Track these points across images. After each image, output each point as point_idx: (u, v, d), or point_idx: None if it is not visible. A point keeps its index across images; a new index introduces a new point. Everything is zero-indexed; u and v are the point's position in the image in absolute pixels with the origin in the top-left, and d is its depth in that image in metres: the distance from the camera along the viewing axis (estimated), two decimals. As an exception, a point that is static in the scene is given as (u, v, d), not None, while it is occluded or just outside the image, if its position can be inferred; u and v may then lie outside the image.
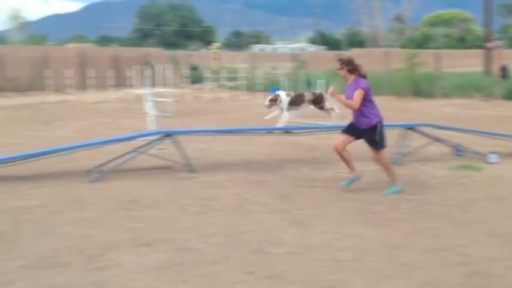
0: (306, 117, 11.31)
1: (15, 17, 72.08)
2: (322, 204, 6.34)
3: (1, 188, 7.26)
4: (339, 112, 10.06)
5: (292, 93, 9.92)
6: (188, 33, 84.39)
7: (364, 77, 6.72)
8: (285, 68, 29.23)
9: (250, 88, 26.07)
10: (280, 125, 9.49)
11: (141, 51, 38.43)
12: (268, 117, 9.92)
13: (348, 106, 6.68)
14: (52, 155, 8.44)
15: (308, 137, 10.56)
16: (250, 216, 5.84)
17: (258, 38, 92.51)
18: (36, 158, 8.27)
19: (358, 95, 6.55)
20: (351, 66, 6.71)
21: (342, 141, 6.77)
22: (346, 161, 6.87)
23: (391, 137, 9.63)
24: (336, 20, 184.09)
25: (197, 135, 10.59)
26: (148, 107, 12.61)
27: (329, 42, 75.56)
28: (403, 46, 50.15)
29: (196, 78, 31.98)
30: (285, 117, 9.57)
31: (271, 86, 25.42)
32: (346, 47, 63.15)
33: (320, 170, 8.22)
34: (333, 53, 40.16)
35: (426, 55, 26.45)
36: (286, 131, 9.29)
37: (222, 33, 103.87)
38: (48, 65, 30.07)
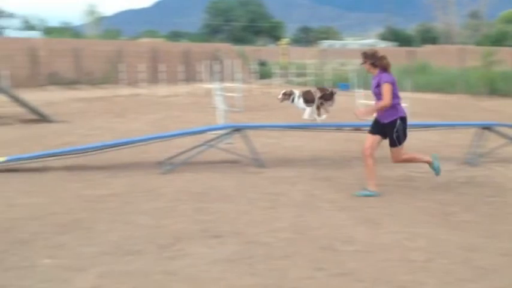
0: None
1: (91, 12, 74.60)
2: (393, 203, 6.22)
3: (78, 177, 7.55)
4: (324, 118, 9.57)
5: (301, 91, 9.75)
6: (256, 28, 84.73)
7: (387, 70, 6.47)
8: (354, 64, 28.84)
9: (319, 84, 25.90)
10: (305, 117, 9.44)
11: (210, 46, 38.95)
12: (305, 117, 9.57)
13: (382, 107, 6.36)
14: (126, 146, 8.70)
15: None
16: (318, 213, 5.80)
17: (327, 34, 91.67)
18: (111, 149, 8.55)
19: (386, 90, 6.31)
20: (374, 60, 6.48)
21: (371, 143, 6.50)
22: (370, 170, 6.54)
23: (466, 136, 9.35)
24: (407, 16, 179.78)
25: (266, 130, 10.62)
26: (218, 102, 12.76)
27: (400, 39, 73.87)
28: (479, 43, 48.33)
29: (264, 74, 32.11)
30: (309, 113, 9.42)
31: (340, 82, 25.20)
32: (418, 43, 61.56)
33: (391, 168, 8.05)
34: (404, 49, 39.27)
35: (503, 53, 25.41)
36: (356, 128, 9.15)
37: (291, 29, 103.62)
38: (122, 59, 31.01)
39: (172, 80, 28.74)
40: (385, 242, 4.87)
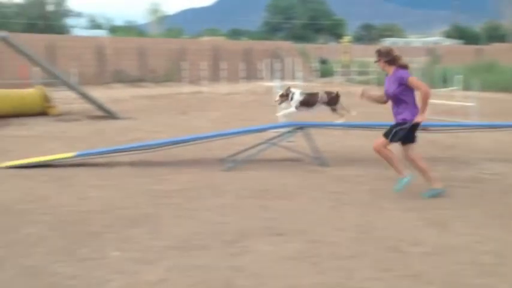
0: (438, 114, 10.84)
1: (154, 11, 76.25)
2: (462, 204, 6.04)
3: (145, 172, 7.74)
4: (355, 114, 8.82)
5: (308, 93, 8.82)
6: (317, 26, 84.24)
7: (405, 67, 6.25)
8: (419, 62, 28.20)
9: (381, 83, 25.49)
10: (279, 116, 8.76)
11: (271, 44, 39.02)
12: (280, 114, 8.77)
13: (426, 99, 6.04)
14: (189, 143, 8.85)
15: (445, 135, 10.13)
16: (383, 213, 5.71)
17: (391, 31, 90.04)
18: (175, 146, 8.72)
19: (416, 81, 6.13)
20: (389, 58, 6.25)
21: (408, 153, 6.36)
22: (423, 169, 6.39)
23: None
24: (473, 13, 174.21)
25: (327, 129, 10.54)
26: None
27: (466, 36, 71.72)
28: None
29: (325, 72, 31.89)
30: (289, 113, 8.58)
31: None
32: (485, 41, 59.53)
33: (459, 169, 7.84)
34: (470, 47, 38.10)
35: None
36: (423, 127, 8.93)
37: (352, 26, 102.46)
38: (184, 57, 31.54)
39: (233, 78, 29.01)
40: (454, 245, 4.74)
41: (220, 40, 42.24)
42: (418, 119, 6.13)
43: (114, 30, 60.28)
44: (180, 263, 4.32)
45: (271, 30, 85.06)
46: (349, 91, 23.35)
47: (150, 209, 5.91)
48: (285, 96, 8.53)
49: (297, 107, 8.42)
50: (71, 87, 15.27)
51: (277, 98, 8.69)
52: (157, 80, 30.20)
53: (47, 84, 17.17)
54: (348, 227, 5.24)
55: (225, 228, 5.19)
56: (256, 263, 4.31)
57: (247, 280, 3.98)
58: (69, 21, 64.37)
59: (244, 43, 41.06)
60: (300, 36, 75.02)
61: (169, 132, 11.52)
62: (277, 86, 14.80)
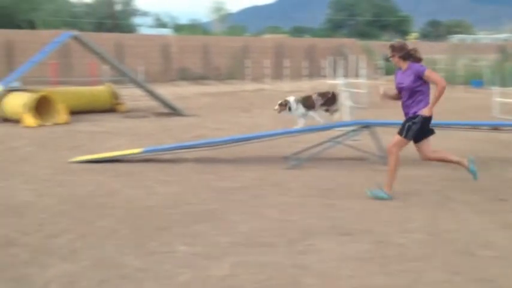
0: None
1: (217, 9, 77.04)
2: (536, 208, 5.80)
3: (209, 169, 7.85)
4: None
5: (300, 97, 8.83)
6: (382, 23, 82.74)
7: (419, 61, 6.08)
8: (488, 59, 27.26)
9: (449, 80, 24.75)
10: (296, 127, 8.65)
11: (335, 41, 38.70)
12: (297, 127, 8.68)
13: (441, 93, 5.91)
14: (253, 141, 8.91)
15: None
16: (453, 215, 5.55)
17: (459, 28, 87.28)
18: (239, 143, 8.80)
19: (432, 74, 6.02)
20: (403, 53, 6.09)
21: (423, 150, 6.23)
22: (449, 161, 6.32)
23: None
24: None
25: (393, 128, 10.34)
26: (343, 98, 12.64)
27: (539, 32, 68.56)
28: None
29: (390, 70, 31.28)
30: (300, 123, 8.61)
31: (473, 79, 23.93)
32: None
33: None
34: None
35: None
36: (495, 127, 8.64)
37: (419, 23, 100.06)
38: (247, 55, 31.75)
39: (296, 75, 28.97)
40: (529, 250, 4.56)
41: (283, 38, 42.21)
42: (424, 111, 5.98)
43: (178, 28, 61.32)
44: (246, 259, 4.35)
45: (334, 28, 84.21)
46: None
47: (215, 205, 5.98)
48: (284, 106, 8.62)
49: (303, 114, 8.52)
50: (138, 84, 15.67)
51: (277, 106, 8.75)
52: (221, 78, 30.56)
53: (115, 82, 17.73)
54: (416, 228, 5.13)
55: (290, 226, 5.19)
56: (322, 262, 4.29)
57: (313, 279, 3.97)
58: (136, 20, 66.03)
59: (307, 40, 40.90)
60: (364, 33, 73.88)
61: (232, 130, 11.63)
62: (340, 83, 14.69)
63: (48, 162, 8.34)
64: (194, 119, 13.89)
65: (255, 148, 9.04)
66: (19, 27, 32.73)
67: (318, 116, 8.69)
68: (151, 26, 64.15)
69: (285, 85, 25.26)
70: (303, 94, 9.38)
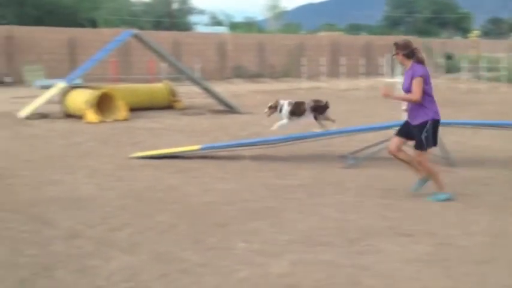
0: None
1: (273, 7, 77.07)
2: None
3: (266, 167, 7.87)
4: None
5: (296, 102, 8.63)
6: (442, 20, 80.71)
7: (421, 62, 5.89)
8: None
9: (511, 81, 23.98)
10: (273, 129, 8.55)
11: (392, 39, 37.90)
12: (274, 128, 8.60)
13: (408, 101, 5.88)
14: (310, 139, 8.87)
15: None
16: (518, 218, 5.36)
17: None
18: (295, 141, 8.78)
19: (416, 84, 5.75)
20: (407, 51, 5.89)
21: (396, 146, 6.13)
22: (407, 162, 6.20)
23: None
24: None
25: (453, 128, 10.07)
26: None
27: None
28: None
29: (451, 68, 30.55)
30: (282, 124, 8.48)
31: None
32: None
33: None
34: None
35: None
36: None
37: (480, 20, 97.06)
38: (303, 52, 31.63)
39: (352, 73, 28.62)
40: None
41: (339, 35, 41.83)
42: (383, 89, 6.12)
43: (233, 26, 61.74)
44: (305, 257, 4.34)
45: (391, 25, 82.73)
46: (476, 88, 22.29)
47: (273, 202, 5.99)
48: (274, 108, 8.56)
49: (289, 118, 8.43)
50: (195, 82, 15.87)
51: (266, 109, 8.71)
52: (276, 76, 30.57)
53: (172, 79, 18.02)
54: (479, 230, 4.98)
55: (348, 226, 5.13)
56: (382, 263, 4.22)
57: (374, 280, 3.91)
58: (192, 18, 66.91)
59: (363, 38, 40.38)
60: (422, 30, 72.26)
61: (288, 128, 11.59)
62: (399, 82, 14.41)
63: (109, 157, 8.56)
64: (250, 117, 13.95)
65: (311, 146, 9.00)
66: (81, 25, 33.72)
67: (303, 122, 8.62)
68: (207, 24, 64.84)
69: (341, 83, 25.02)
70: (297, 99, 9.17)
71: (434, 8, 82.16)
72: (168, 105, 15.59)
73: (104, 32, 28.44)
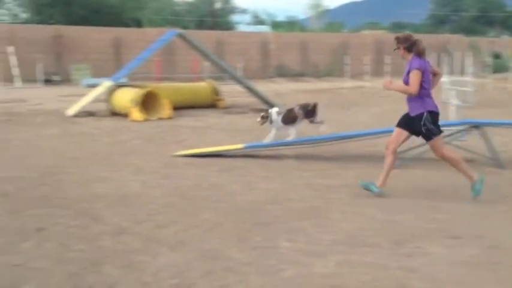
0: None
1: (315, 5, 76.66)
2: None
3: (309, 166, 7.84)
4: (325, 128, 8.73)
5: (285, 110, 8.75)
6: (488, 19, 78.72)
7: (420, 54, 5.84)
8: None
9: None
10: (266, 141, 8.56)
11: (438, 38, 37.33)
12: (266, 141, 8.62)
13: (405, 92, 5.85)
14: (353, 139, 8.78)
15: None
16: None
17: None
18: (339, 141, 8.70)
19: (413, 77, 5.74)
20: (408, 44, 5.88)
21: (396, 137, 6.11)
22: (387, 168, 6.10)
23: None
24: None
25: (501, 128, 9.82)
26: (450, 96, 12.17)
27: None
28: None
29: (499, 67, 29.78)
30: (271, 134, 8.55)
31: None
32: None
33: None
34: None
35: None
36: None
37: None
38: (346, 51, 31.36)
39: (397, 72, 28.16)
40: None
41: (383, 34, 41.28)
42: (385, 81, 6.09)
43: (276, 25, 61.70)
44: (350, 258, 4.29)
45: (437, 23, 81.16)
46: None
47: (316, 202, 5.95)
48: (266, 118, 8.69)
49: (279, 127, 8.55)
50: (238, 81, 15.93)
51: (259, 119, 8.81)
52: (319, 75, 30.42)
53: (215, 78, 18.14)
54: (531, 235, 4.83)
55: (394, 227, 5.06)
56: (430, 265, 4.14)
57: (422, 282, 3.84)
58: (234, 17, 67.18)
59: (408, 37, 39.67)
60: (468, 29, 70.65)
61: (331, 127, 11.48)
62: (445, 81, 14.14)
63: (154, 155, 8.68)
64: (293, 116, 13.89)
65: (355, 146, 8.91)
66: (126, 25, 34.30)
67: (295, 130, 8.64)
68: (249, 24, 65.01)
69: (385, 82, 24.70)
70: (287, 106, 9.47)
71: (480, 6, 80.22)
72: (211, 104, 15.70)
73: (148, 31, 28.86)
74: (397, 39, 6.03)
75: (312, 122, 8.73)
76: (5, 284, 3.78)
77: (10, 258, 4.24)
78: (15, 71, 23.61)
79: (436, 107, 5.97)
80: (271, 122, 8.64)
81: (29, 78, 23.49)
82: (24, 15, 39.07)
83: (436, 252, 4.41)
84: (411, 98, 5.92)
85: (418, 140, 8.30)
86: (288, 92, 21.14)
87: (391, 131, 8.82)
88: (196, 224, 5.18)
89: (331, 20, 74.67)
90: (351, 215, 5.46)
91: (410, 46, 5.91)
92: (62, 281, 3.86)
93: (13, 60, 23.87)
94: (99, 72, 24.91)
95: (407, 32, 6.42)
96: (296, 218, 5.36)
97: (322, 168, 7.71)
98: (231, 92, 18.07)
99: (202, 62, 23.03)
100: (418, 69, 5.78)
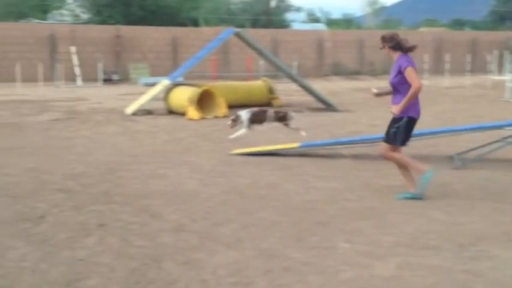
0: None
1: (372, 2, 75.58)
2: None
3: (366, 166, 7.72)
4: (305, 135, 9.17)
5: (254, 110, 9.51)
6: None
7: (408, 52, 5.77)
8: None
9: None
10: (232, 137, 9.25)
11: (501, 35, 36.11)
12: (232, 136, 9.34)
13: (414, 95, 5.62)
14: (413, 138, 8.55)
15: None
16: None
17: None
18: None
19: (411, 74, 5.62)
20: (393, 43, 5.81)
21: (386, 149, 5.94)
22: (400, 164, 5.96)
23: None
24: None
25: None
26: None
27: None
28: None
29: None
30: (241, 133, 9.26)
31: None
32: None
33: None
34: None
35: None
36: None
37: None
38: (403, 49, 30.74)
39: (457, 70, 27.47)
40: None
41: (442, 31, 40.27)
42: (393, 109, 5.78)
43: (331, 23, 61.20)
44: (411, 261, 4.19)
45: (498, 20, 78.51)
46: None
47: (375, 203, 5.84)
48: (236, 122, 9.38)
49: (248, 127, 9.23)
50: (294, 79, 15.87)
51: (230, 121, 9.45)
52: (375, 73, 29.94)
53: (270, 77, 18.13)
54: None
55: (458, 230, 4.90)
56: (497, 269, 3.99)
57: (487, 287, 3.70)
58: (289, 16, 67.04)
59: (469, 34, 38.61)
60: (532, 25, 68.02)
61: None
62: (507, 79, 13.67)
63: (210, 153, 8.74)
64: (348, 115, 13.76)
65: (414, 146, 8.63)
66: (183, 24, 34.79)
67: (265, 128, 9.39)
68: (303, 22, 64.75)
69: (445, 81, 24.07)
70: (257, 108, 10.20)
71: (545, 1, 77.04)
72: (267, 102, 15.69)
73: (204, 30, 29.17)
74: (383, 38, 5.98)
75: (286, 125, 9.52)
76: (69, 278, 3.88)
77: (74, 253, 4.35)
78: (77, 71, 24.34)
79: (419, 111, 5.86)
80: (241, 122, 9.34)
81: (89, 78, 24.16)
82: (85, 16, 40.21)
83: (502, 256, 4.25)
84: (397, 100, 5.83)
85: (478, 141, 8.08)
86: (343, 91, 20.93)
87: (452, 131, 8.69)
88: (253, 222, 5.17)
89: (388, 17, 73.47)
90: (411, 217, 5.33)
91: (395, 45, 5.86)
92: (124, 276, 3.93)
93: (75, 59, 24.62)
94: (157, 71, 25.36)
95: (392, 31, 6.43)
96: (354, 219, 5.28)
97: (380, 168, 7.56)
98: (286, 90, 18.02)
99: (256, 61, 23.08)
100: (411, 66, 5.72)
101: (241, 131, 9.19)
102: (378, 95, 6.57)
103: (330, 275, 3.94)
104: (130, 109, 13.76)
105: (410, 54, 5.90)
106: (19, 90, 18.87)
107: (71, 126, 11.78)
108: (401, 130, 5.79)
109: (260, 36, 27.28)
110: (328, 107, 14.93)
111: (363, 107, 15.34)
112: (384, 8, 79.84)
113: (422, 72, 27.12)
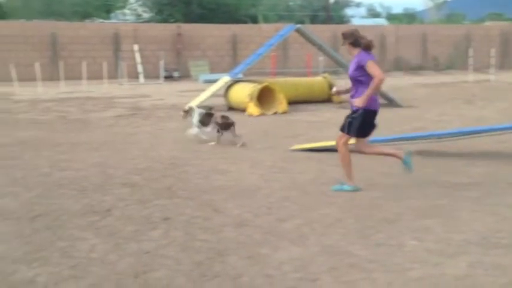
0: None
1: (435, -3, 73.66)
2: None
3: (433, 162, 7.51)
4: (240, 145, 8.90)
5: (203, 112, 9.41)
6: None
7: (368, 49, 5.86)
8: None
9: None
10: (187, 133, 9.31)
11: None
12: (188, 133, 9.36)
13: (377, 86, 5.75)
14: (480, 134, 8.27)
15: None
16: None
17: None
18: (464, 136, 8.25)
19: (373, 67, 5.73)
20: (352, 39, 5.93)
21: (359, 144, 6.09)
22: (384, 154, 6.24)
23: None
24: None
25: None
26: None
27: None
28: None
29: None
30: (192, 131, 9.30)
31: None
32: None
33: None
34: None
35: None
36: None
37: None
38: (468, 43, 29.78)
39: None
40: None
41: (508, 25, 38.71)
42: (356, 102, 5.80)
43: (391, 18, 60.07)
44: (483, 260, 4.02)
45: None
46: None
47: (443, 200, 5.66)
48: (187, 113, 9.47)
49: (198, 127, 9.22)
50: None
51: (182, 112, 9.57)
52: (439, 68, 29.15)
53: (330, 72, 17.95)
54: None
55: (532, 229, 4.68)
56: None
57: None
58: (349, 11, 66.21)
59: (537, 27, 36.96)
60: None
61: (454, 122, 10.99)
62: None
63: (271, 149, 8.73)
64: (411, 110, 13.44)
65: (482, 142, 8.40)
66: (242, 22, 34.95)
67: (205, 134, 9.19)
68: (363, 17, 63.85)
69: (512, 75, 23.18)
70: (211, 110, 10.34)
71: None
72: (327, 98, 15.53)
73: (263, 27, 29.17)
74: (343, 35, 6.09)
75: (218, 131, 9.19)
76: (137, 270, 3.94)
77: (140, 246, 4.42)
78: (139, 68, 24.86)
79: (376, 103, 5.96)
80: (192, 116, 9.38)
81: (151, 75, 24.62)
82: (146, 15, 41.04)
83: None
84: (359, 93, 5.86)
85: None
86: (405, 86, 20.46)
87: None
88: (316, 218, 5.11)
89: (451, 11, 71.42)
90: (482, 215, 5.13)
91: (354, 41, 5.95)
92: (190, 269, 3.95)
93: (137, 57, 25.17)
94: (216, 68, 25.58)
95: (352, 28, 6.46)
96: (421, 216, 5.13)
97: (446, 164, 7.35)
98: (346, 86, 17.76)
99: (315, 57, 22.89)
100: (371, 60, 5.82)
101: (193, 131, 9.32)
102: (337, 93, 6.82)
103: (397, 273, 3.83)
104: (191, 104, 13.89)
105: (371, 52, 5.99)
106: (84, 88, 19.45)
107: (134, 122, 12.03)
108: (357, 121, 5.89)
109: (320, 32, 27.02)
110: (390, 102, 14.62)
111: (427, 103, 14.95)
112: (446, 2, 77.69)
113: (489, 67, 26.24)
